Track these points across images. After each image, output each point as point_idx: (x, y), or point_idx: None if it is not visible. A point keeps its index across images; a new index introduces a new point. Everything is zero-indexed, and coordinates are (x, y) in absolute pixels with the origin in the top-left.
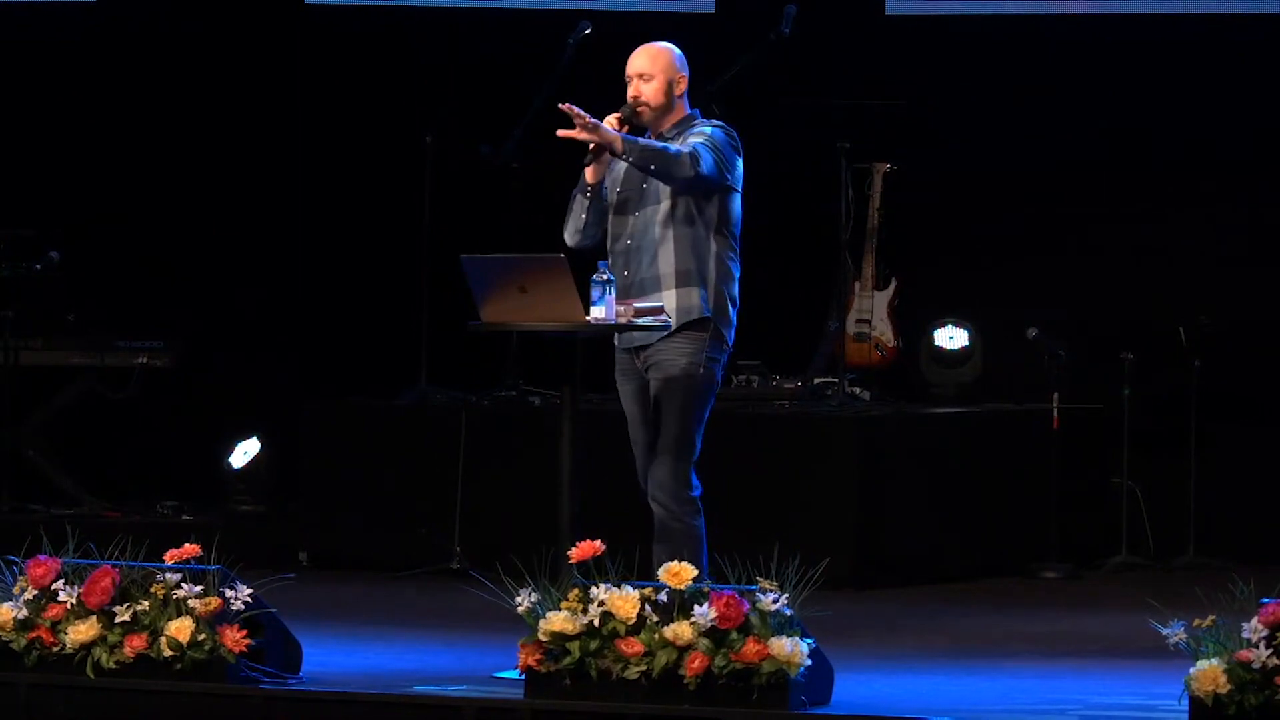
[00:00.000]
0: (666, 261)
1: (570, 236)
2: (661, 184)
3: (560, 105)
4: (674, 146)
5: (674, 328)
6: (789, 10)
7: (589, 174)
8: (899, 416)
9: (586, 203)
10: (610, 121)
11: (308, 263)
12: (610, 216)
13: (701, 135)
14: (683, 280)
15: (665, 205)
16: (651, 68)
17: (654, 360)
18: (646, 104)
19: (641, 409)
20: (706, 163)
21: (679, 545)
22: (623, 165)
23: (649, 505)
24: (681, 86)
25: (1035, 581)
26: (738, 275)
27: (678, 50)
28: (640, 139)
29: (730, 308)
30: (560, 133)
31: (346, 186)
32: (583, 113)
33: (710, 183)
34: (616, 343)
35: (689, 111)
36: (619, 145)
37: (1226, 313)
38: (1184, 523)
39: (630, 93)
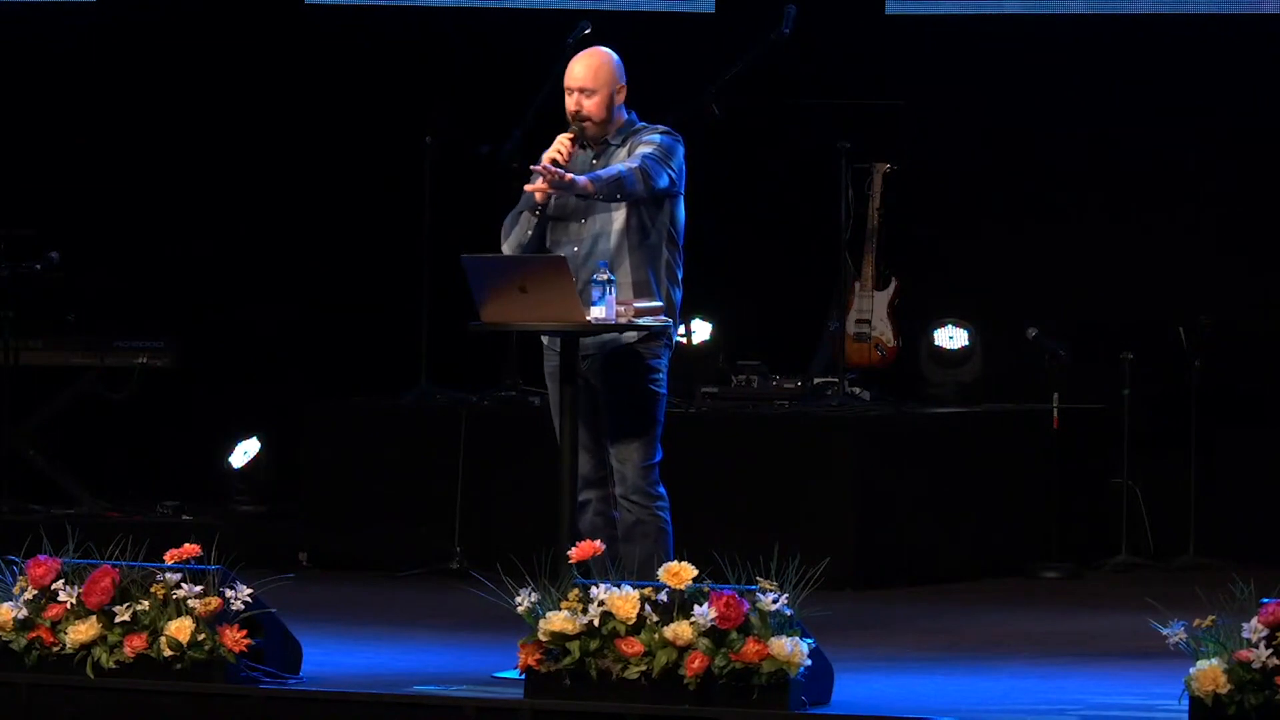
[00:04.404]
0: (624, 272)
1: (510, 249)
2: None
3: (534, 168)
4: (625, 168)
5: (636, 336)
6: (789, 10)
7: (538, 195)
8: (899, 416)
9: (534, 221)
10: (564, 142)
11: (308, 262)
12: (548, 222)
13: (650, 145)
14: (640, 290)
15: (620, 216)
16: (594, 82)
17: (611, 366)
18: (590, 118)
19: (589, 413)
20: (659, 176)
21: (649, 543)
22: None
23: (588, 505)
24: (621, 96)
25: (1035, 581)
26: (681, 278)
27: (616, 58)
28: (601, 174)
29: (675, 312)
30: (529, 187)
31: (346, 186)
32: (557, 170)
33: (662, 193)
34: (546, 344)
35: (628, 117)
36: (591, 188)
37: (1226, 313)
38: (1184, 523)
39: (571, 106)
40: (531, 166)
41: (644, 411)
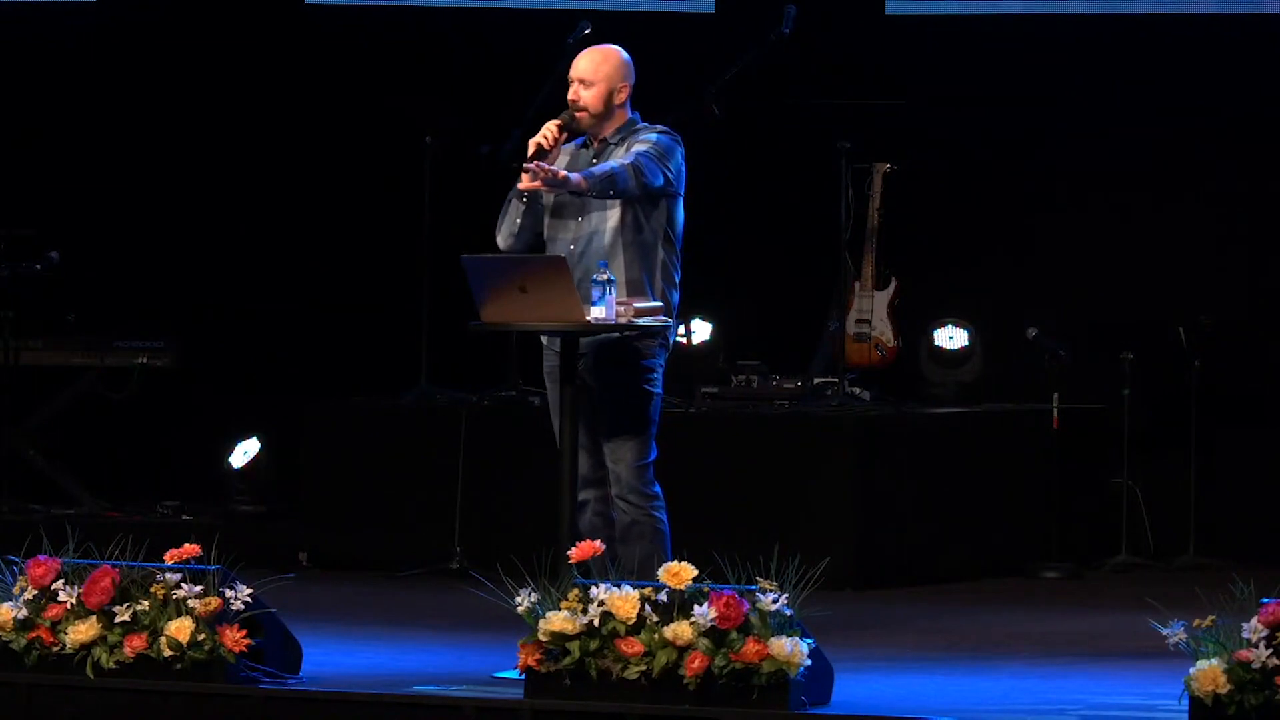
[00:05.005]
0: (617, 269)
1: (503, 239)
2: None
3: (525, 166)
4: (618, 164)
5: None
6: (789, 10)
7: (525, 182)
8: (899, 416)
9: (522, 208)
10: (550, 128)
11: (308, 262)
12: (547, 219)
13: (647, 144)
14: (633, 289)
15: (615, 214)
16: (594, 75)
17: (605, 364)
18: (585, 110)
19: (587, 413)
20: (654, 175)
21: (646, 543)
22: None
23: (587, 505)
24: (623, 95)
25: (1035, 581)
26: (679, 280)
27: (626, 56)
28: (594, 170)
29: (673, 313)
30: (522, 185)
31: (346, 186)
32: (548, 167)
33: (657, 191)
34: (545, 343)
35: (630, 116)
36: (584, 185)
37: (1226, 313)
38: (1184, 523)
39: (570, 95)
40: (525, 165)
41: (638, 410)
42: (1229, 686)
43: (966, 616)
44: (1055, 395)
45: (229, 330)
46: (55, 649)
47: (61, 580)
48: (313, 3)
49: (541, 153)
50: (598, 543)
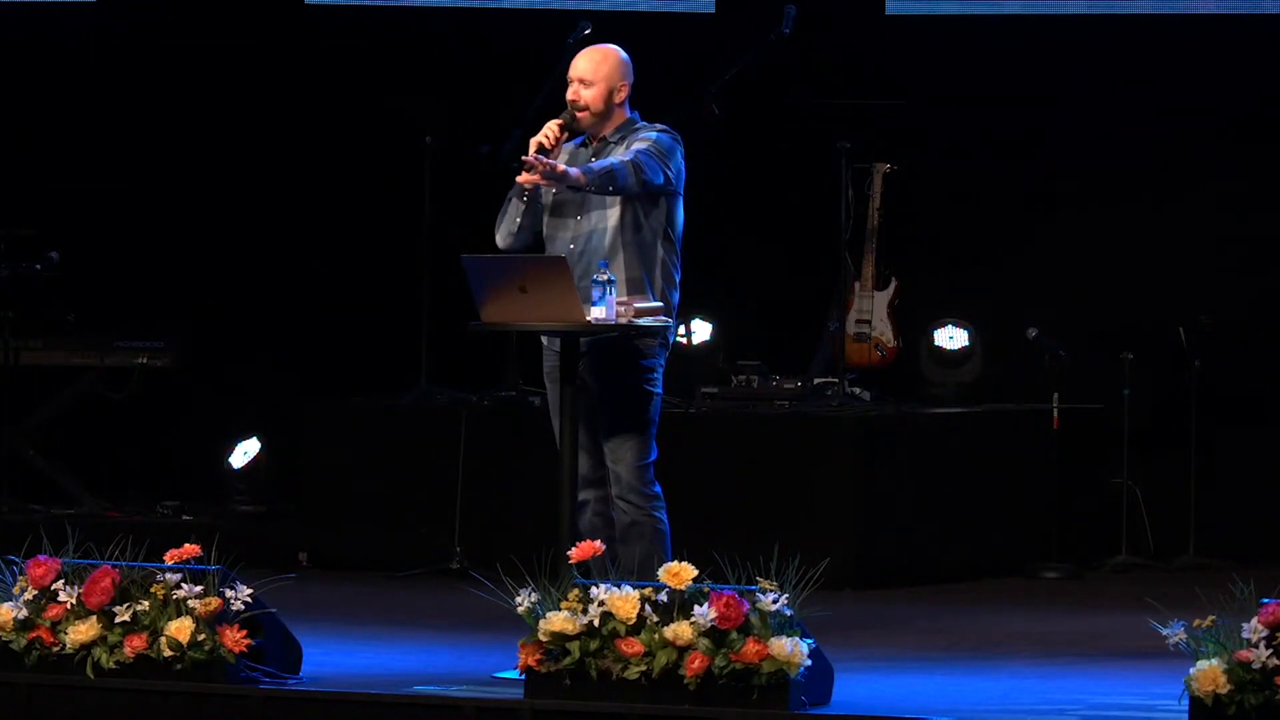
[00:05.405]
0: (617, 268)
1: (503, 238)
2: None
3: (524, 159)
4: (617, 161)
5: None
6: (789, 10)
7: (524, 176)
8: (899, 416)
9: (522, 206)
10: (552, 127)
11: (308, 262)
12: (546, 217)
13: (647, 141)
14: (633, 287)
15: (615, 212)
16: (594, 75)
17: (605, 364)
18: (587, 109)
19: (586, 413)
20: (654, 172)
21: (646, 544)
22: None
23: (587, 505)
24: (623, 94)
25: (1035, 581)
26: (679, 280)
27: (624, 55)
28: (593, 166)
29: (672, 313)
30: (521, 179)
31: (347, 186)
32: (547, 160)
33: (656, 189)
34: (545, 344)
35: (629, 115)
36: (583, 180)
37: (1226, 313)
38: (1184, 523)
39: (570, 95)
40: (523, 158)
41: (638, 410)
42: (1229, 686)
43: (966, 616)
44: (1055, 395)
45: (229, 330)
46: (55, 649)
47: (61, 580)
48: (313, 3)
49: (543, 151)
50: (598, 543)
